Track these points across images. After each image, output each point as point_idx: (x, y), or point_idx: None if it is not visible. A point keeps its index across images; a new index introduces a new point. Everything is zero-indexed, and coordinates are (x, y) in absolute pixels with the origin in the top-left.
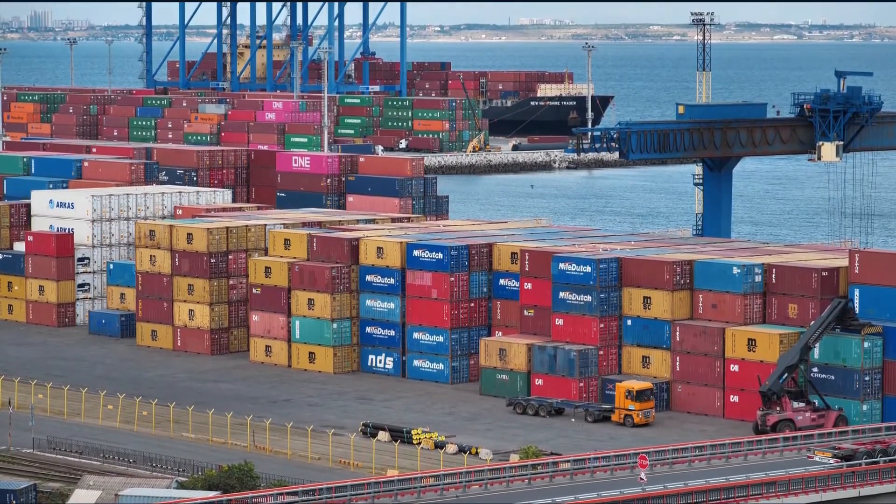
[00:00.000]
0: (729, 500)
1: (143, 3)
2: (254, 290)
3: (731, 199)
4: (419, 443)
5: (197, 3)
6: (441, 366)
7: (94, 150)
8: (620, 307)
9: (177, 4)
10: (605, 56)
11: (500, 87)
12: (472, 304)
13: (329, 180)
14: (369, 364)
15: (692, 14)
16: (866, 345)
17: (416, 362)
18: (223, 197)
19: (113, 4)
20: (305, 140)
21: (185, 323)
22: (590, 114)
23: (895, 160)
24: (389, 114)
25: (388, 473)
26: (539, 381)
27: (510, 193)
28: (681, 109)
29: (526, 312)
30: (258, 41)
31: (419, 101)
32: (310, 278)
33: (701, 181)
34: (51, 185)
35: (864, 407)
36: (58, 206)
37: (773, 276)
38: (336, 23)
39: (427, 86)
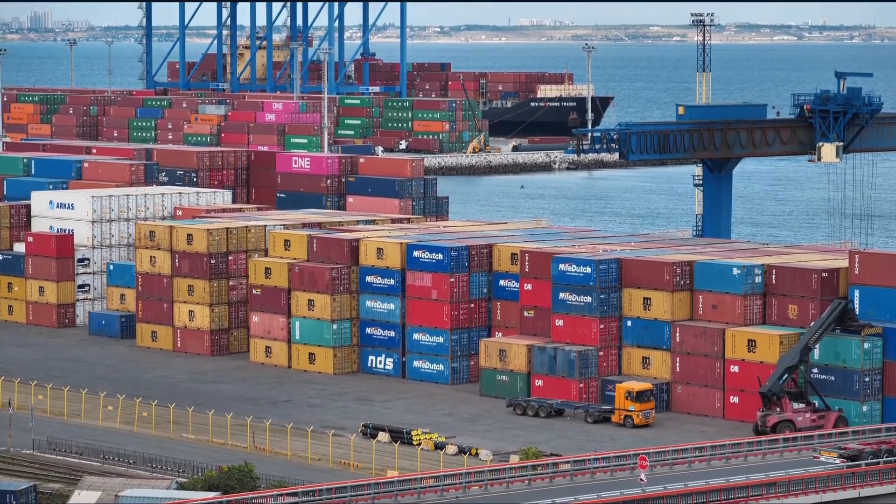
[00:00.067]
0: (729, 500)
1: (143, 4)
2: (254, 291)
3: (731, 199)
4: (419, 444)
5: (197, 4)
6: (441, 367)
7: (94, 150)
8: (620, 308)
9: (177, 5)
10: (605, 57)
11: (500, 88)
12: (472, 305)
13: (329, 181)
14: (369, 365)
15: (692, 15)
16: (866, 346)
17: (416, 363)
18: (223, 198)
19: (113, 5)
20: (305, 141)
21: (185, 324)
22: (590, 115)
23: (895, 161)
24: (389, 115)
25: (389, 474)
26: (539, 382)
27: (510, 194)
28: (681, 110)
29: (526, 313)
30: (258, 42)
31: (419, 102)
32: (310, 279)
33: (701, 182)
34: (51, 186)
35: (864, 408)
36: (58, 206)
37: (773, 276)
38: (336, 24)
39: (427, 87)
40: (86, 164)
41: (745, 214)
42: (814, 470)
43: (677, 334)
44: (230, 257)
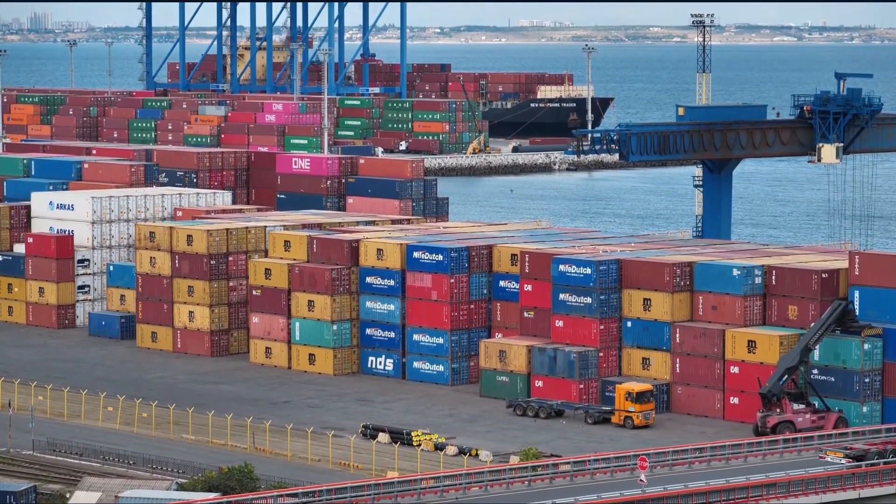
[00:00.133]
0: (729, 501)
1: (143, 5)
2: (254, 292)
3: (731, 200)
4: (419, 444)
5: (197, 4)
6: (441, 367)
7: (94, 151)
8: (620, 309)
9: (177, 6)
10: (605, 58)
11: (500, 89)
12: (472, 306)
13: (329, 182)
14: (369, 366)
15: (692, 16)
16: (866, 346)
17: (416, 364)
18: (223, 198)
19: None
20: (305, 142)
21: (185, 324)
22: (590, 115)
23: (895, 162)
24: (389, 115)
25: (389, 475)
26: (539, 383)
27: (510, 195)
28: (681, 111)
29: (526, 314)
30: (258, 43)
31: (419, 103)
32: (310, 280)
33: (701, 183)
34: (51, 187)
35: (864, 409)
36: (58, 207)
37: (773, 277)
38: (336, 24)
39: (427, 87)
40: (86, 165)
41: (745, 215)
42: (814, 471)
43: (677, 335)
44: (230, 258)
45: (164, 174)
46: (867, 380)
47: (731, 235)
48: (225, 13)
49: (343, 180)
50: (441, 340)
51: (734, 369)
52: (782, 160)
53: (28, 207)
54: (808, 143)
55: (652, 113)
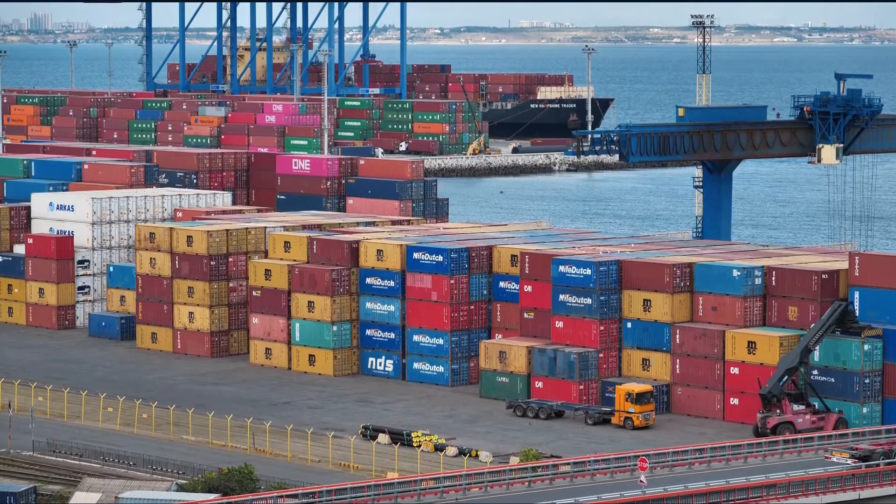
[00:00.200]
0: (729, 502)
1: (143, 6)
2: (254, 293)
3: (731, 201)
4: (419, 445)
5: (197, 5)
6: (441, 368)
7: (94, 152)
8: (620, 310)
9: (177, 7)
10: (605, 59)
11: (500, 90)
12: (471, 307)
13: (329, 183)
14: (369, 366)
15: (692, 16)
16: (866, 347)
17: (416, 365)
18: (223, 199)
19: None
20: (305, 142)
21: (185, 325)
22: (590, 116)
23: (895, 163)
24: (389, 116)
25: (389, 476)
26: (539, 384)
27: (510, 196)
28: (681, 112)
29: (526, 315)
30: (258, 44)
31: (419, 104)
32: (310, 281)
33: (701, 184)
34: (51, 188)
35: (864, 409)
36: (58, 208)
37: (773, 278)
38: (336, 25)
39: (427, 88)
40: (86, 166)
41: (745, 216)
42: (814, 471)
43: (677, 336)
44: (230, 259)
45: (164, 175)
46: (867, 381)
47: (731, 236)
48: (225, 14)
49: (343, 181)
50: (441, 341)
51: (734, 370)
52: (782, 161)
53: (28, 208)
54: (808, 144)
55: (652, 114)
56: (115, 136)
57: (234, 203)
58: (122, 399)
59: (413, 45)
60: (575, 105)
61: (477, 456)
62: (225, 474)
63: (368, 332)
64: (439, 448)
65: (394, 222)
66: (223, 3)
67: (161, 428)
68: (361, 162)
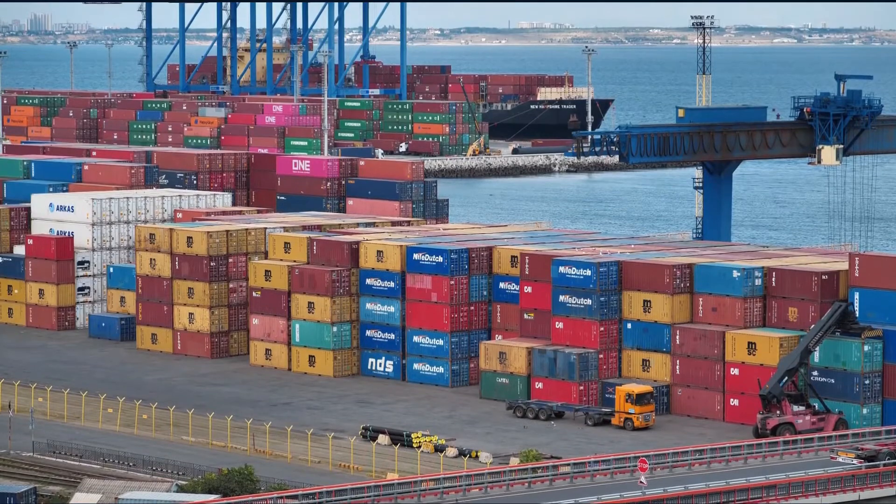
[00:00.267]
0: (729, 503)
1: (143, 6)
2: (254, 294)
3: (731, 202)
4: (419, 446)
5: (197, 6)
6: (441, 369)
7: (94, 153)
8: (620, 311)
9: (176, 7)
10: (605, 59)
11: (500, 91)
12: (472, 308)
13: (329, 184)
14: (369, 367)
15: (692, 17)
16: (866, 348)
17: (416, 366)
18: (223, 200)
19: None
20: (305, 143)
21: (185, 326)
22: (590, 117)
23: (895, 164)
24: (389, 117)
25: (389, 477)
26: (539, 385)
27: (510, 197)
28: (681, 113)
29: (526, 316)
30: (258, 44)
31: (419, 105)
32: (310, 282)
33: (701, 184)
34: (51, 189)
35: (864, 410)
36: (58, 209)
37: (773, 279)
38: (336, 26)
39: (427, 89)
40: (86, 167)
41: (745, 217)
42: (814, 472)
43: (677, 337)
44: (230, 260)
45: (164, 176)
46: (867, 381)
47: (730, 237)
48: (225, 15)
49: (343, 182)
50: (441, 342)
51: (734, 371)
52: (782, 162)
53: (28, 209)
54: (808, 145)
55: (652, 114)
56: (115, 136)
57: (234, 204)
58: (122, 400)
59: (413, 45)
60: (575, 106)
61: (477, 457)
62: (225, 475)
63: (368, 332)
64: (439, 449)
65: (394, 223)
66: (223, 4)
67: (161, 429)
68: (361, 163)
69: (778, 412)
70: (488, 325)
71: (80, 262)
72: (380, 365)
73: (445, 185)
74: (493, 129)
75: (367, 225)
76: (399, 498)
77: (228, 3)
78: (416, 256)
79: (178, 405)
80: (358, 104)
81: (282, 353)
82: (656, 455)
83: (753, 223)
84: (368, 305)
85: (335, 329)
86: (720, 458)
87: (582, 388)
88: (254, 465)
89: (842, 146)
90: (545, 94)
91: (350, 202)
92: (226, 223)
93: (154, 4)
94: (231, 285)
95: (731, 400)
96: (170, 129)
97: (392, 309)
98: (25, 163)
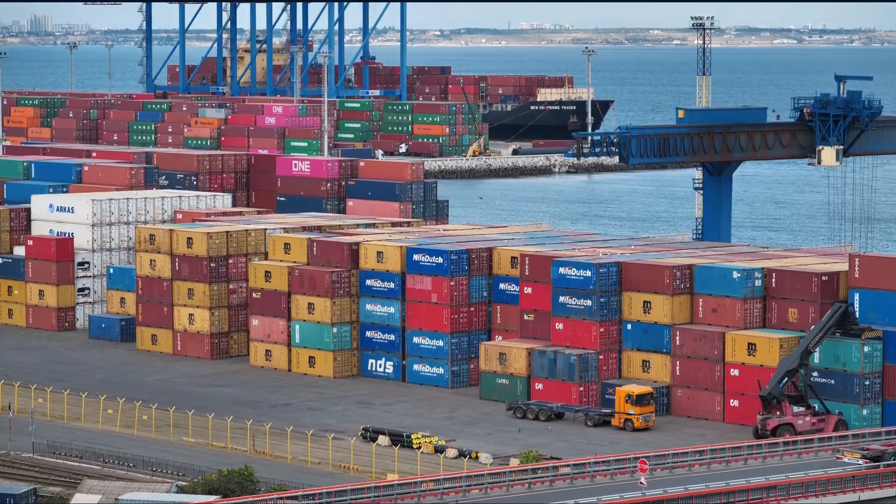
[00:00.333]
0: (729, 503)
1: (143, 7)
2: (254, 295)
3: (731, 203)
4: (419, 447)
5: (198, 6)
6: (441, 370)
7: (94, 154)
8: (620, 311)
9: (176, 8)
10: (605, 60)
11: (500, 92)
12: (472, 309)
13: (329, 184)
14: (369, 368)
15: (692, 18)
16: (866, 349)
17: (416, 366)
18: (223, 201)
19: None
20: (305, 144)
21: (185, 327)
22: (590, 118)
23: (895, 165)
24: (389, 118)
25: (389, 478)
26: (539, 386)
27: (510, 198)
28: (681, 114)
29: (526, 317)
30: (258, 45)
31: (419, 106)
32: (310, 282)
33: (701, 185)
34: (51, 190)
35: (864, 411)
36: (58, 210)
37: (773, 280)
38: (336, 27)
39: (427, 90)
40: (86, 168)
41: (745, 218)
42: (814, 473)
43: (677, 338)
44: (230, 261)
45: (164, 177)
46: (867, 382)
47: (730, 238)
48: (225, 15)
49: (343, 183)
50: (441, 343)
51: (734, 372)
52: (782, 163)
53: (28, 210)
54: (808, 146)
55: (652, 115)
56: (115, 137)
57: (234, 205)
58: (122, 401)
59: (413, 46)
60: (575, 107)
61: (477, 457)
62: (225, 476)
63: (368, 333)
64: (439, 450)
65: (394, 224)
66: (223, 5)
67: (161, 430)
68: (361, 164)
69: (778, 413)
70: (488, 325)
71: (80, 263)
72: (380, 366)
73: (445, 185)
74: (493, 129)
75: (367, 226)
76: (399, 499)
77: (228, 4)
78: (416, 257)
79: (178, 406)
80: (358, 105)
81: (282, 353)
82: (656, 456)
83: (753, 224)
84: (368, 306)
85: (335, 330)
86: (720, 459)
87: (582, 388)
88: (254, 466)
89: (842, 147)
90: (545, 94)
91: (350, 203)
92: (226, 224)
93: (154, 5)
94: (231, 286)
95: (731, 401)
96: (170, 129)
97: (392, 310)
98: (25, 164)
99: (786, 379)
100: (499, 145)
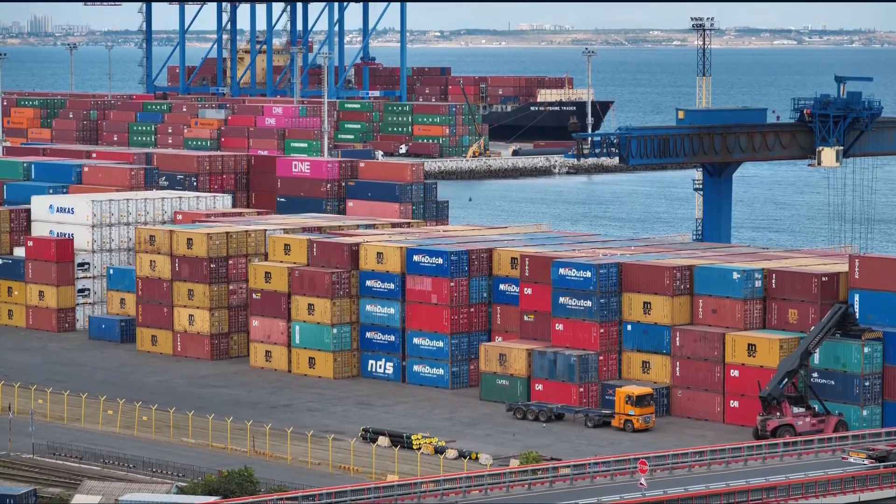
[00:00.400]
0: None
1: (143, 8)
2: (254, 296)
3: (731, 204)
4: (419, 448)
5: (198, 6)
6: (441, 371)
7: (94, 155)
8: (620, 312)
9: (177, 9)
10: (605, 61)
11: (500, 93)
12: (472, 310)
13: (329, 185)
14: (369, 369)
15: (692, 19)
16: (866, 350)
17: (416, 367)
18: (223, 202)
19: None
20: (305, 145)
21: (185, 328)
22: (590, 119)
23: (895, 165)
24: (389, 119)
25: (389, 479)
26: (539, 387)
27: (510, 199)
28: (681, 115)
29: (526, 317)
30: (258, 46)
31: (419, 107)
32: (310, 283)
33: (701, 186)
34: (51, 190)
35: (864, 412)
36: (58, 211)
37: (773, 281)
38: (336, 28)
39: (427, 91)
40: (86, 169)
41: (745, 219)
42: (814, 474)
43: (677, 338)
44: (230, 261)
45: (164, 177)
46: (867, 383)
47: (730, 239)
48: (225, 16)
49: (343, 184)
50: (441, 344)
51: (734, 373)
52: (782, 164)
53: (28, 211)
54: (808, 147)
55: (652, 116)
56: (115, 138)
57: (234, 206)
58: (122, 402)
59: (413, 47)
60: (575, 108)
61: (477, 458)
62: (225, 477)
63: (368, 334)
64: (439, 450)
65: (394, 225)
66: (223, 6)
67: (161, 430)
68: (361, 164)
69: (778, 414)
70: (488, 326)
71: (81, 264)
72: (380, 367)
73: (445, 186)
74: (493, 130)
75: (367, 227)
76: (399, 499)
77: (228, 5)
78: (416, 258)
79: (178, 407)
80: (358, 106)
81: (282, 354)
82: (656, 457)
83: (753, 225)
84: (368, 307)
85: (335, 331)
86: (720, 460)
87: (582, 389)
88: (254, 467)
89: (842, 148)
90: (545, 95)
91: (350, 204)
92: (226, 225)
93: (154, 6)
94: (231, 287)
95: (731, 402)
96: (170, 130)
97: (392, 311)
98: (25, 164)
99: (786, 380)
100: (499, 146)
